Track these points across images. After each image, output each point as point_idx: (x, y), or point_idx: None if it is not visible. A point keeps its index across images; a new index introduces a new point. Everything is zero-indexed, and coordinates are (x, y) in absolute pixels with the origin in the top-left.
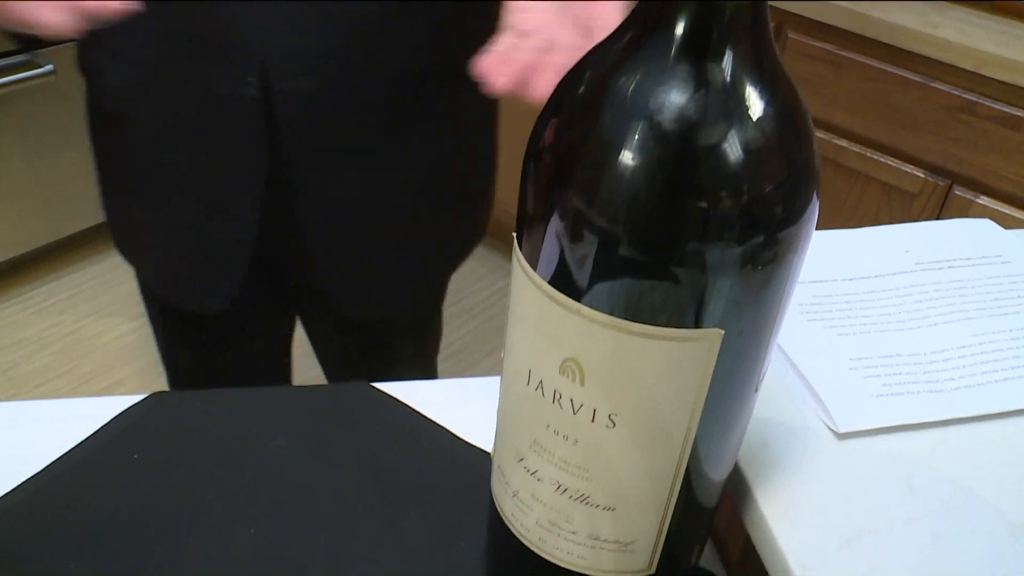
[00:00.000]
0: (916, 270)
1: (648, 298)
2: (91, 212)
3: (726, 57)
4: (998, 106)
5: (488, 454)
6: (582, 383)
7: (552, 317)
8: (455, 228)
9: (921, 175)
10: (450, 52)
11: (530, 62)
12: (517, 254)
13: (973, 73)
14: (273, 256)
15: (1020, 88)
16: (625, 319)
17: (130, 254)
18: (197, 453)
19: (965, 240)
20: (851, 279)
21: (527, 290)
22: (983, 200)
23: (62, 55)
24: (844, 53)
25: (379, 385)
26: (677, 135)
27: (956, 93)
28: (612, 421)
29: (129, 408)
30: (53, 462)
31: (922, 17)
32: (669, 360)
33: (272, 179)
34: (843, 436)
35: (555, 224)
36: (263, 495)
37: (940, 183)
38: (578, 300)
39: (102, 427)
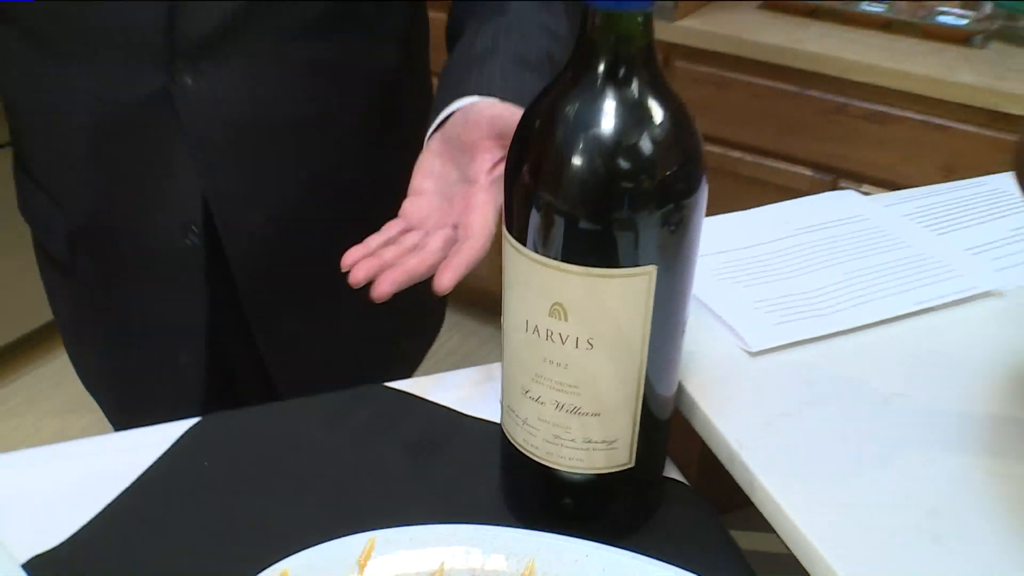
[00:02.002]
0: (797, 234)
1: (604, 251)
2: (36, 312)
3: (632, 83)
4: (865, 105)
5: (488, 422)
6: (566, 319)
7: (539, 276)
8: (417, 328)
9: (809, 174)
10: (396, 197)
11: (387, 261)
12: (507, 237)
13: (839, 79)
14: (231, 381)
15: (880, 88)
16: (591, 267)
17: (89, 386)
18: (259, 459)
19: (834, 208)
20: (748, 246)
21: (518, 261)
22: (865, 188)
23: None
24: (727, 74)
25: (391, 384)
26: (608, 139)
27: (828, 98)
28: (590, 344)
29: (189, 428)
30: (138, 479)
31: (789, 35)
32: (624, 291)
33: (219, 317)
34: (755, 354)
35: (534, 210)
36: (326, 480)
37: (826, 179)
38: (557, 260)
39: (171, 447)
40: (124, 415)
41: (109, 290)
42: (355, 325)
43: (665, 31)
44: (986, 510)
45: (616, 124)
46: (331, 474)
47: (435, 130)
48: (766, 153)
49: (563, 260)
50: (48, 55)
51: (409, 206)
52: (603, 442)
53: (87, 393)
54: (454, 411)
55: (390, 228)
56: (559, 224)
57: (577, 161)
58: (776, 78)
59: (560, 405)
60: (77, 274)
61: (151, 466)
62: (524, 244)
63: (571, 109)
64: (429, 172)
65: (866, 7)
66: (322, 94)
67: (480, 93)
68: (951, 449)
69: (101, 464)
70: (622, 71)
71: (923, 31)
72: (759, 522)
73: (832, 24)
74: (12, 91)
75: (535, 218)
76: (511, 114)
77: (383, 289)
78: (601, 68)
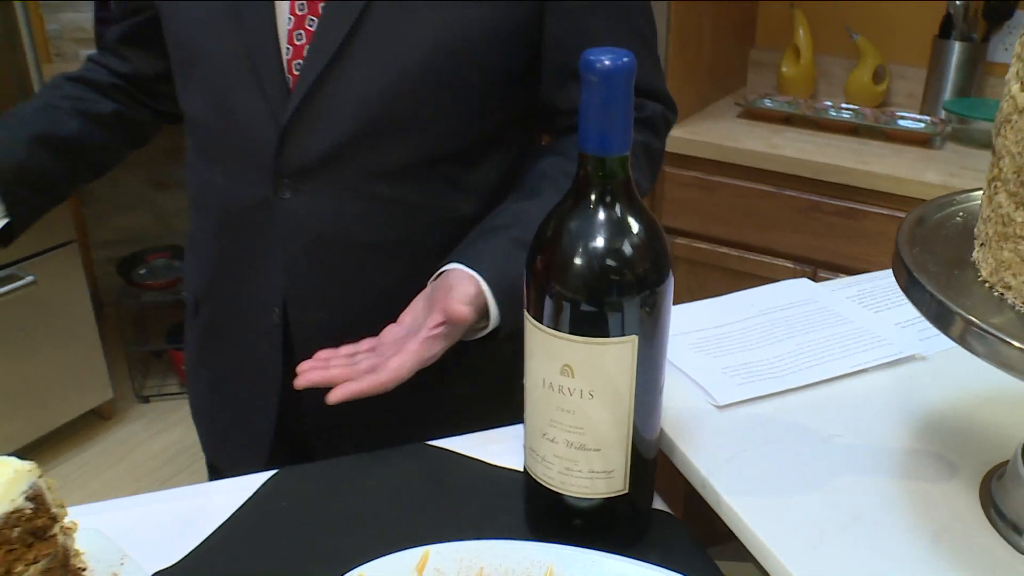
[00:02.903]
0: (759, 314)
1: (599, 326)
2: (69, 407)
3: (616, 205)
4: (837, 202)
5: (511, 470)
6: (573, 376)
7: (553, 344)
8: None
9: (790, 265)
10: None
11: (334, 377)
12: (528, 317)
13: (813, 179)
14: (297, 438)
15: (851, 187)
16: (590, 337)
17: (193, 415)
18: (328, 503)
19: (790, 292)
20: (719, 325)
21: (536, 334)
22: (841, 276)
23: (41, 266)
24: (711, 177)
25: (433, 443)
26: (599, 246)
27: (804, 197)
28: (591, 395)
29: (271, 477)
30: (229, 517)
31: (766, 141)
32: (615, 354)
33: (288, 387)
34: (722, 407)
35: (547, 297)
36: (384, 517)
37: (806, 269)
38: (566, 332)
39: (256, 492)
40: (213, 448)
41: (215, 340)
42: (398, 411)
43: None
44: (897, 515)
45: (604, 235)
46: (388, 514)
47: (435, 276)
48: (750, 248)
49: (570, 332)
50: (203, 157)
51: (386, 330)
52: (603, 472)
53: (116, 483)
54: (486, 463)
55: (361, 344)
56: (566, 307)
57: (578, 262)
58: (756, 180)
59: (570, 443)
60: (199, 320)
61: (240, 507)
62: (540, 321)
63: (572, 225)
64: (412, 308)
65: (835, 114)
66: (400, 227)
67: (468, 265)
68: (874, 472)
69: (200, 504)
70: (608, 197)
71: (886, 135)
72: (740, 553)
73: (805, 130)
74: (190, 184)
75: (548, 303)
76: (472, 295)
77: (332, 399)
78: (593, 196)
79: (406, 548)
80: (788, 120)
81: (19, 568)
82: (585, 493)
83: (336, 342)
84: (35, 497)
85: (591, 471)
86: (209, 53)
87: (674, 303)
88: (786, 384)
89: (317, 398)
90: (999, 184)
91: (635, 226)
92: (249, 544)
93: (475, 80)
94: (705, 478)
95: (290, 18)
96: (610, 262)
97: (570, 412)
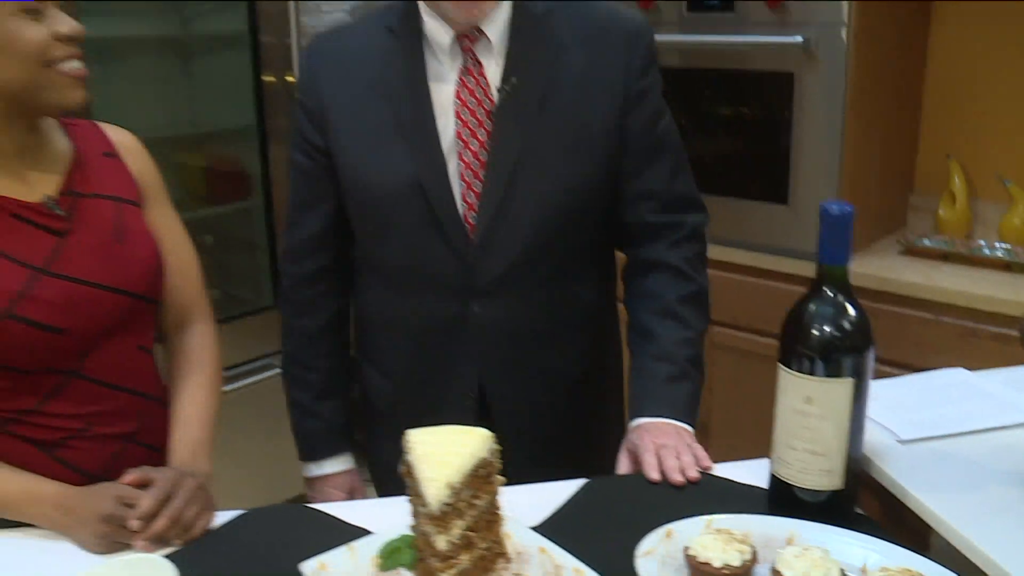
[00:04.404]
0: (923, 389)
1: (829, 370)
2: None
3: (839, 296)
4: (991, 328)
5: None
6: (812, 404)
7: (800, 383)
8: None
9: None
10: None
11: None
12: (781, 367)
13: (968, 308)
14: None
15: (1004, 315)
16: (824, 378)
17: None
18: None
19: (948, 377)
20: (895, 394)
21: (789, 378)
22: None
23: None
24: (875, 305)
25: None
26: (830, 322)
27: (961, 323)
28: (823, 418)
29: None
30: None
31: (925, 275)
32: (840, 390)
33: None
34: (903, 442)
35: (796, 355)
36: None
37: None
38: (809, 375)
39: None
40: None
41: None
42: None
43: None
44: None
45: (834, 314)
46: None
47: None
48: (910, 367)
49: (810, 375)
50: (394, 291)
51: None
52: (828, 471)
53: None
54: (735, 481)
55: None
56: (807, 360)
57: (815, 332)
58: (917, 308)
59: (806, 450)
60: (396, 417)
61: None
62: (790, 368)
63: (812, 307)
64: (632, 445)
65: (989, 252)
66: (555, 315)
67: (645, 415)
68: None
69: None
70: (834, 290)
71: None
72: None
73: (961, 266)
74: (368, 311)
75: (797, 357)
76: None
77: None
78: (824, 289)
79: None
80: (946, 257)
81: (481, 495)
82: (815, 486)
83: (528, 403)
84: (490, 452)
85: (819, 470)
86: (401, 220)
87: None
88: (947, 429)
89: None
90: None
91: (851, 310)
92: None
93: (589, 211)
94: (895, 479)
95: (461, 184)
96: (838, 332)
97: (808, 428)
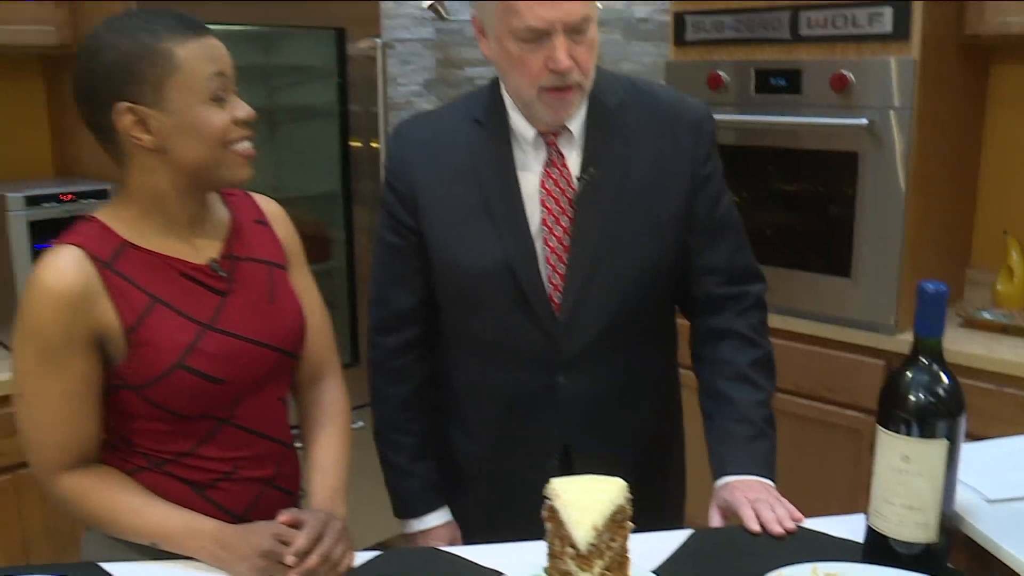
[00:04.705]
0: (1002, 456)
1: (925, 432)
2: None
3: (934, 364)
4: None
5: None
6: (907, 462)
7: (897, 442)
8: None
9: None
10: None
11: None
12: (880, 428)
13: None
14: None
15: None
16: (920, 438)
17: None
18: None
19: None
20: (981, 458)
21: (886, 437)
22: None
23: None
24: None
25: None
26: (926, 388)
27: (1021, 394)
28: (919, 475)
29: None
30: None
31: (986, 346)
32: (935, 450)
33: None
34: (991, 501)
35: (894, 419)
36: None
37: None
38: (907, 435)
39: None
40: None
41: (499, 486)
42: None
43: (887, 342)
44: None
45: (928, 383)
46: None
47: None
48: (974, 437)
49: (908, 435)
50: (483, 362)
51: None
52: (923, 525)
53: None
54: (826, 534)
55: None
56: (904, 423)
57: (912, 398)
58: (977, 379)
59: (904, 506)
60: (482, 476)
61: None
62: (888, 429)
63: (909, 375)
64: (724, 501)
65: None
66: (629, 381)
67: (732, 474)
68: None
69: None
70: (929, 359)
71: None
72: None
73: (1020, 338)
74: (455, 379)
75: (894, 420)
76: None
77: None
78: (920, 358)
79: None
80: (1005, 329)
81: (617, 538)
82: (911, 539)
83: (608, 458)
84: (625, 500)
85: (915, 523)
86: (491, 298)
87: None
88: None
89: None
90: None
91: (945, 378)
92: None
93: (661, 287)
94: (987, 535)
95: (547, 266)
96: (932, 398)
97: (904, 485)
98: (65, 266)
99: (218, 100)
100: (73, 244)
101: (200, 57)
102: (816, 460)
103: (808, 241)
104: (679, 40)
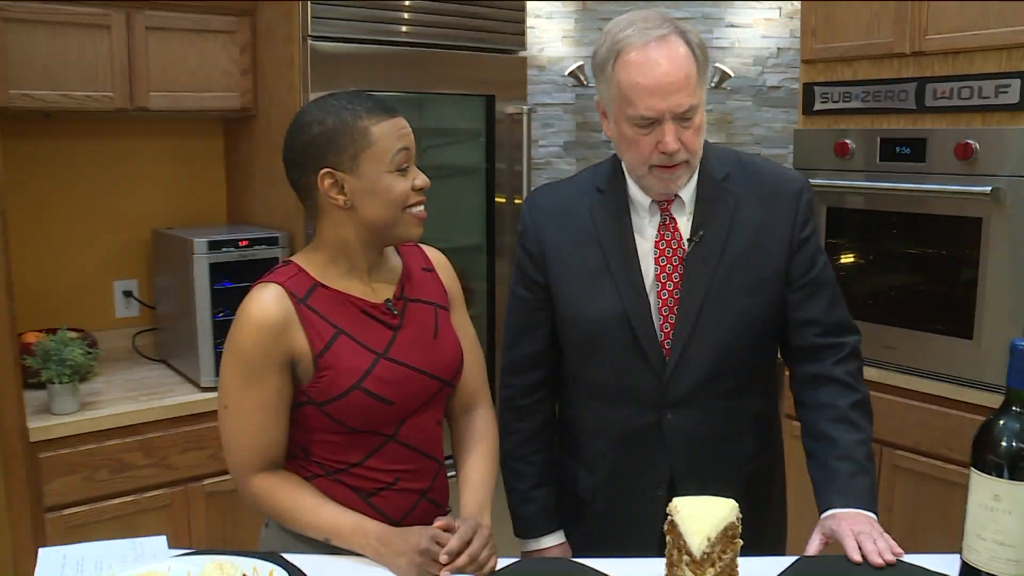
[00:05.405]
0: None
1: (1015, 475)
2: None
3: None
4: None
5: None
6: (998, 501)
7: (990, 483)
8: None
9: None
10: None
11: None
12: (973, 470)
13: None
14: None
15: None
16: (1011, 480)
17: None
18: None
19: None
20: None
21: (980, 479)
22: None
23: None
24: None
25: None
26: (1015, 436)
27: None
28: (1009, 512)
29: None
30: None
31: None
32: (1020, 490)
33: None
34: None
35: (986, 463)
36: None
37: None
38: (1000, 478)
39: None
40: None
41: (612, 513)
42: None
43: None
44: None
45: (1019, 430)
46: None
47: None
48: None
49: (998, 477)
50: (600, 401)
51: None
52: (1014, 561)
53: None
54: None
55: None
56: (996, 466)
57: (1003, 444)
58: None
59: (994, 541)
60: (596, 503)
61: None
62: (981, 471)
63: (1001, 422)
64: (828, 530)
65: None
66: (731, 422)
67: (837, 507)
68: None
69: None
70: (1020, 409)
71: None
72: None
73: None
74: (574, 416)
75: (987, 464)
76: (848, 523)
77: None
78: (1012, 407)
79: None
80: None
81: (728, 551)
82: (1001, 572)
83: (711, 492)
84: (736, 518)
85: (1006, 559)
86: (609, 345)
87: None
88: None
89: None
90: None
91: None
92: None
93: (762, 337)
94: None
95: (659, 316)
96: (1022, 444)
97: (995, 522)
98: (268, 300)
99: (402, 170)
100: (275, 282)
101: (390, 135)
102: (933, 517)
103: (931, 303)
104: (807, 109)
